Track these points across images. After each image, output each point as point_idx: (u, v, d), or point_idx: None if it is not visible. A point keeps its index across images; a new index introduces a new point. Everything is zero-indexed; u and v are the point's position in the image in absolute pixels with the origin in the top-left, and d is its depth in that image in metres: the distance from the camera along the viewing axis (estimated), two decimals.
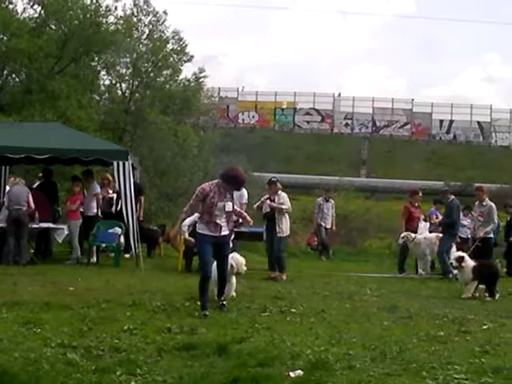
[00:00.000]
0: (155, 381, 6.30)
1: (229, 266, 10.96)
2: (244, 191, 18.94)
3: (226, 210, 10.55)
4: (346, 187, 36.00)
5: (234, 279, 11.36)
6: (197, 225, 11.01)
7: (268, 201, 15.72)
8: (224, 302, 10.69)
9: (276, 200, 15.67)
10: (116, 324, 8.79)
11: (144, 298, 10.99)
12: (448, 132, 67.99)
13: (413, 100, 68.80)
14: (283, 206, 15.59)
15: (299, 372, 6.66)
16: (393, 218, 23.01)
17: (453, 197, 18.12)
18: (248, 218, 11.67)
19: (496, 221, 17.37)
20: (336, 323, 9.60)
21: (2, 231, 16.53)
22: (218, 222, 10.53)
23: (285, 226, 15.71)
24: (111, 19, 32.31)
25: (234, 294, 11.50)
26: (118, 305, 10.30)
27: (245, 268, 11.49)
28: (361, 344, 8.10)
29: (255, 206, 16.23)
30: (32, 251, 17.35)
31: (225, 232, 10.65)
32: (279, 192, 15.89)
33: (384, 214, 29.91)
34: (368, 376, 6.65)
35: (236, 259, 11.39)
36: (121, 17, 33.25)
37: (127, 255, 18.22)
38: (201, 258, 10.94)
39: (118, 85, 36.03)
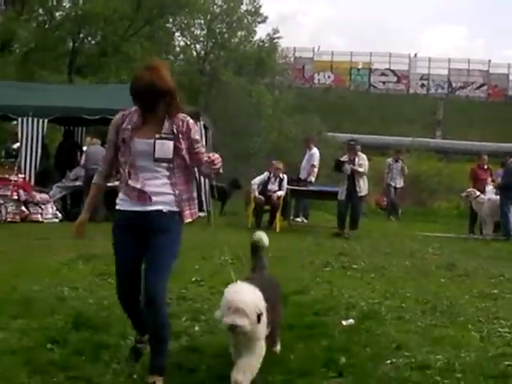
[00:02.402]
0: (217, 327, 6.75)
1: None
2: (315, 151, 19.30)
3: (157, 155, 5.13)
4: (419, 148, 35.92)
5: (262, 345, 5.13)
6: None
7: (347, 164, 16.03)
8: None
9: (356, 161, 16.11)
10: (185, 276, 9.14)
11: (213, 252, 11.30)
12: None
13: (489, 61, 67.62)
14: (360, 169, 16.01)
15: (351, 321, 7.10)
16: (464, 180, 23.00)
17: None
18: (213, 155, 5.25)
19: None
20: (394, 279, 9.97)
21: (79, 189, 17.25)
22: (142, 181, 5.20)
23: (363, 186, 16.21)
24: None
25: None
26: (187, 258, 10.53)
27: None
28: (414, 298, 8.46)
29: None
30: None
31: (158, 205, 5.19)
32: (358, 153, 16.31)
33: (455, 176, 29.74)
34: (416, 326, 7.05)
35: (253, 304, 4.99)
36: None
37: (201, 213, 18.73)
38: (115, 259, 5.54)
39: (192, 46, 36.72)
